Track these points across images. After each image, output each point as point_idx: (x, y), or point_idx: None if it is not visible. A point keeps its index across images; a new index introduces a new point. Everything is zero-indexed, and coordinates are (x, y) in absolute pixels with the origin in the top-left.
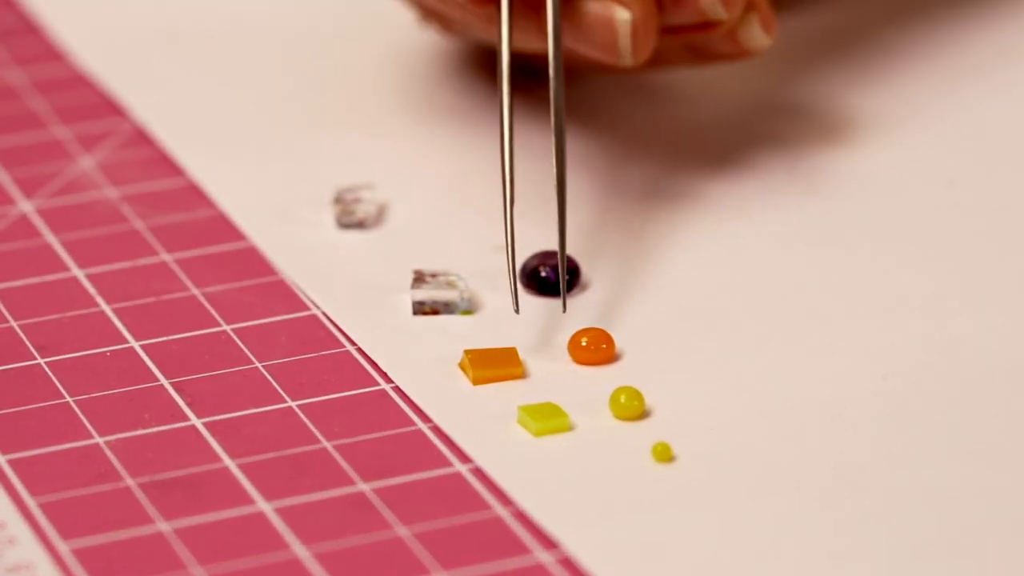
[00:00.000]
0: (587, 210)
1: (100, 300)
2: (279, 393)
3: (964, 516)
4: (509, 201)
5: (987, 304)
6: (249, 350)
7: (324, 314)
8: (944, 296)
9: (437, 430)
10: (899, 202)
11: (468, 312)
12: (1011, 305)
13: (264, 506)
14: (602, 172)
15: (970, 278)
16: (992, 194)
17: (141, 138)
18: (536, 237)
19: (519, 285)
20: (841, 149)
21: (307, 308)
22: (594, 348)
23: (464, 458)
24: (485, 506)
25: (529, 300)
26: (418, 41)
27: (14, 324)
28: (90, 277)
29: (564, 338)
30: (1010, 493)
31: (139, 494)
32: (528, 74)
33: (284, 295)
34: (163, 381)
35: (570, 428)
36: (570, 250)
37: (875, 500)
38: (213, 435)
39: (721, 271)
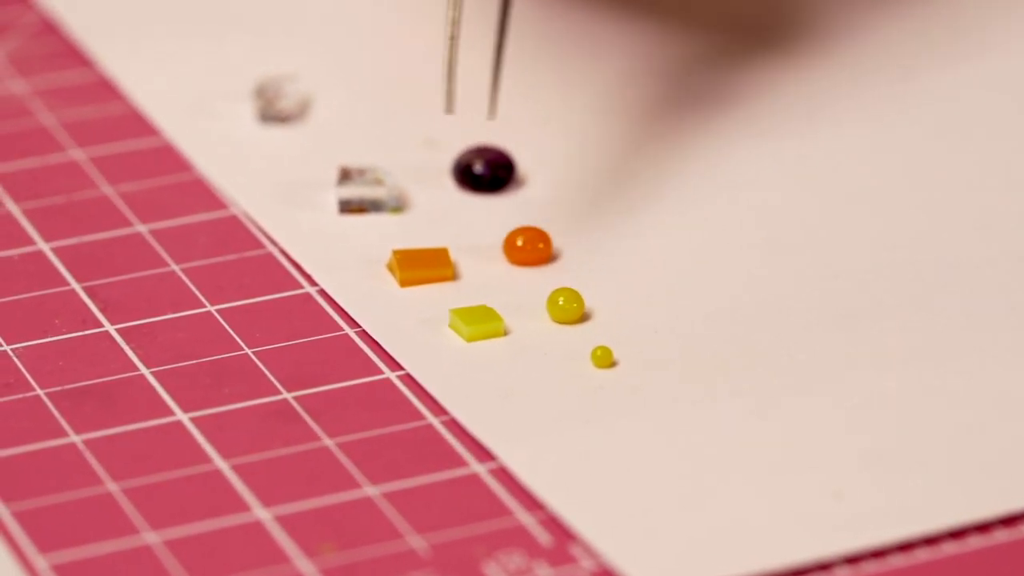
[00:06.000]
0: (527, 103)
1: (8, 200)
2: (197, 297)
3: (913, 420)
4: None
5: (937, 202)
6: (166, 252)
7: (245, 213)
8: (894, 194)
9: (364, 335)
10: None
11: (397, 210)
12: (962, 203)
13: (182, 416)
14: (545, 71)
15: (919, 175)
16: (944, 84)
17: (48, 28)
18: (471, 131)
19: (453, 181)
20: None
21: (227, 207)
22: (530, 248)
23: (393, 365)
24: (416, 415)
25: (462, 197)
26: None
27: None
28: None
29: (499, 237)
30: (960, 395)
31: (49, 404)
32: None
33: (202, 194)
34: (74, 285)
35: (504, 332)
36: (507, 143)
37: (823, 405)
38: (127, 342)
39: (664, 163)
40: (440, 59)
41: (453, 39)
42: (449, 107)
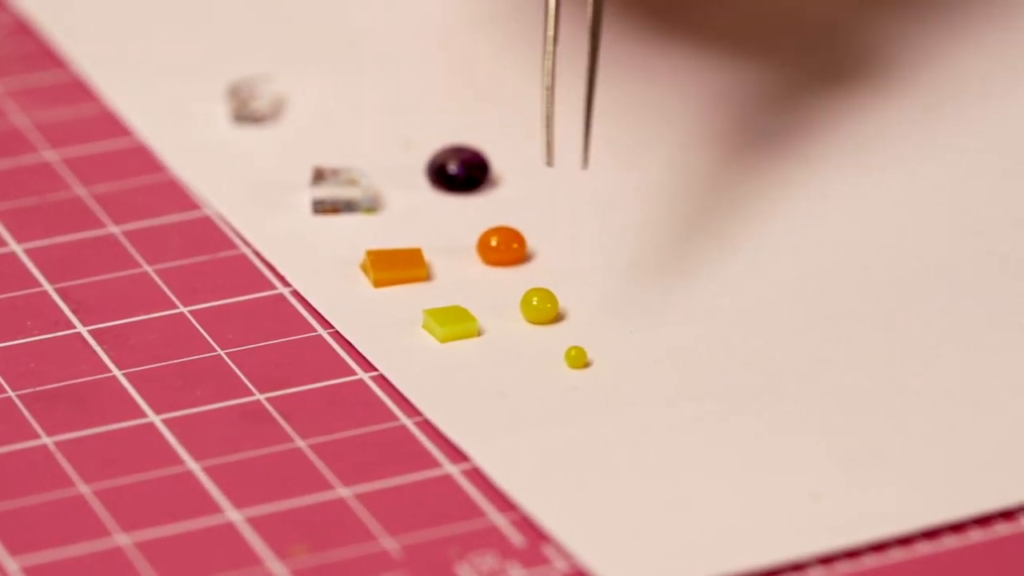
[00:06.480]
0: (502, 100)
1: None
2: (170, 298)
3: (889, 420)
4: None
5: (916, 204)
6: (139, 253)
7: (218, 214)
8: (872, 195)
9: (338, 336)
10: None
11: (371, 211)
12: (941, 205)
13: (154, 418)
14: (516, 67)
15: (897, 177)
16: (922, 95)
17: (22, 29)
18: (446, 130)
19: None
20: None
21: (200, 208)
22: (504, 248)
23: (367, 366)
24: (389, 416)
25: (436, 198)
26: None
27: None
28: None
29: (472, 238)
30: (937, 397)
31: (21, 406)
32: None
33: (176, 195)
34: (47, 287)
35: (478, 333)
36: (480, 144)
37: (798, 405)
38: (100, 344)
39: (640, 163)
40: (538, 112)
41: (549, 89)
42: (549, 159)
